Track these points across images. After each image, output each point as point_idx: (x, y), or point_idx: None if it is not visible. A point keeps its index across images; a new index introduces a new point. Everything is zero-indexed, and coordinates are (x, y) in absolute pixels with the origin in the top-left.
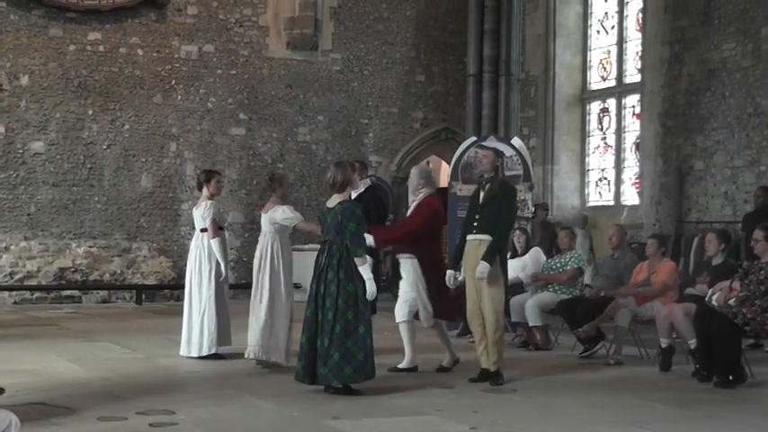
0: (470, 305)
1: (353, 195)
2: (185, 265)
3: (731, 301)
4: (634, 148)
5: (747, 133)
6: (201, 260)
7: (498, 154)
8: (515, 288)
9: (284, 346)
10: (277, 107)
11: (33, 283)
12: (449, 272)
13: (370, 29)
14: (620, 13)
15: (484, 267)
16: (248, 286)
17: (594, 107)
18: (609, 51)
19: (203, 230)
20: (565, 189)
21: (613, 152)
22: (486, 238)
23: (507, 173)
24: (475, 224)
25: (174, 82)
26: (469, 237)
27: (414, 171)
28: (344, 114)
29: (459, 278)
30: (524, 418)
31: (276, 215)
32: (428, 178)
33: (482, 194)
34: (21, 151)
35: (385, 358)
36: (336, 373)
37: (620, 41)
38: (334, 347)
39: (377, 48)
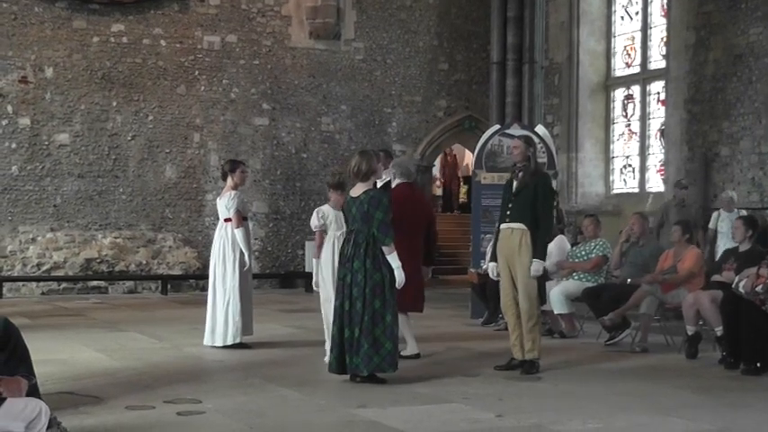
0: (504, 295)
1: (379, 184)
2: (210, 255)
3: (758, 288)
4: (659, 134)
5: None
6: (225, 250)
7: (529, 142)
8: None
9: None
10: (300, 97)
11: (60, 273)
12: (491, 264)
13: (393, 17)
14: None
15: (539, 265)
16: (271, 276)
17: (619, 94)
18: (633, 37)
19: (227, 220)
20: (589, 176)
21: (638, 139)
22: (520, 226)
23: None
24: (508, 213)
25: (197, 72)
26: (503, 226)
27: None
28: (368, 103)
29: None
30: (550, 405)
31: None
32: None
33: (515, 184)
34: (46, 143)
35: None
36: (366, 363)
37: (645, 27)
38: (363, 337)
39: (400, 36)
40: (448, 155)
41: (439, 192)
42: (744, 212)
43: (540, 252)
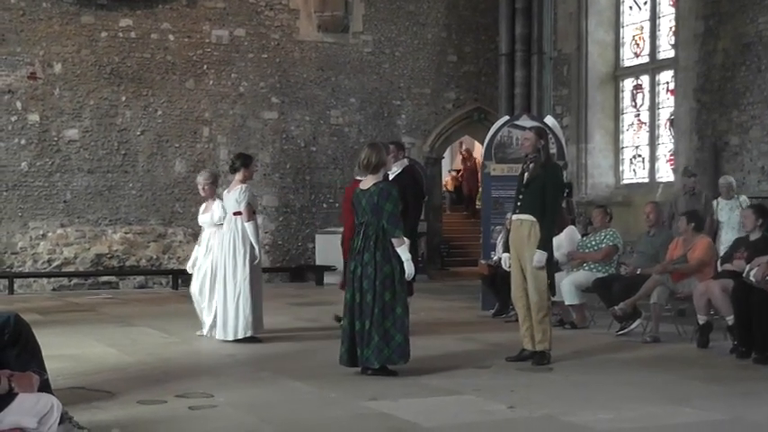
0: (515, 286)
1: (391, 177)
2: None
3: None
4: (668, 124)
5: None
6: (236, 243)
7: (540, 134)
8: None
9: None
10: (309, 90)
11: (71, 269)
12: (504, 255)
13: (401, 10)
14: None
15: (541, 256)
16: (282, 270)
17: (628, 84)
18: (642, 27)
19: (236, 214)
20: (599, 167)
21: (647, 129)
22: (529, 218)
23: None
24: (519, 204)
25: (205, 67)
26: (514, 217)
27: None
28: (377, 96)
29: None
30: (561, 396)
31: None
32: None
33: (526, 175)
34: (56, 139)
35: (422, 339)
36: (377, 355)
37: (654, 17)
38: (374, 329)
39: (408, 29)
40: (467, 159)
41: (451, 186)
42: (744, 197)
43: (543, 243)
